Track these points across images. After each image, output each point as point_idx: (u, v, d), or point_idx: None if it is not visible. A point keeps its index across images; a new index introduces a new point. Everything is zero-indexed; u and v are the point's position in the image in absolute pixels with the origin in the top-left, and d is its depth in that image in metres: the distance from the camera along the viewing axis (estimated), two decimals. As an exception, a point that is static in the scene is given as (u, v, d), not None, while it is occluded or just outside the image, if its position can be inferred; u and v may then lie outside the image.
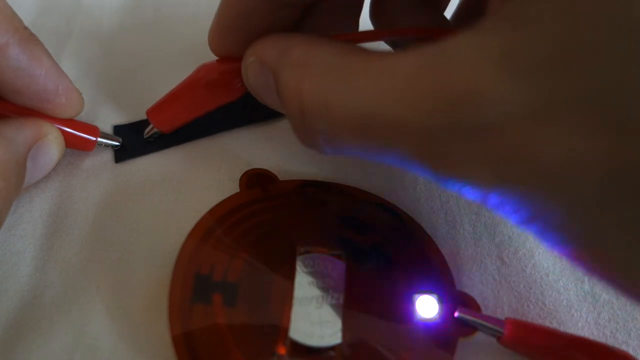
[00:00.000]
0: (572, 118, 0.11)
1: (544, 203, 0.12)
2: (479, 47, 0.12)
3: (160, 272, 0.19)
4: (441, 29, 0.19)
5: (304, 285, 0.18)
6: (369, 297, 0.18)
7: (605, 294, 0.20)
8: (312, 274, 0.18)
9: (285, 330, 0.17)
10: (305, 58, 0.16)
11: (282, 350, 0.17)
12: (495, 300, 0.19)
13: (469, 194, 0.13)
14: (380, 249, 0.20)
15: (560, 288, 0.20)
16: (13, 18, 0.18)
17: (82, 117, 0.22)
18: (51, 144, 0.20)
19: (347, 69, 0.15)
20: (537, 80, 0.11)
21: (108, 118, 0.24)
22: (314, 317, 0.17)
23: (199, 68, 0.21)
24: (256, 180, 0.21)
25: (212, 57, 0.26)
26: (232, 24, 0.19)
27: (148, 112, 0.23)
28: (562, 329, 0.19)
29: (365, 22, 0.22)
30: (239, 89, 0.21)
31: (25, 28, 0.19)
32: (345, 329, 0.17)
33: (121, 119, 0.24)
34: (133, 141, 0.23)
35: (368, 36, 0.20)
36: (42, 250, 0.20)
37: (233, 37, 0.19)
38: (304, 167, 0.23)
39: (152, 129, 0.23)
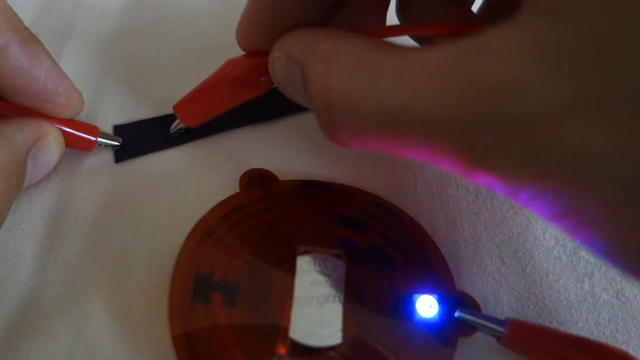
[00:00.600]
0: (609, 113, 0.11)
1: (579, 198, 0.12)
2: (515, 41, 0.12)
3: (160, 272, 0.19)
4: (469, 25, 0.19)
5: (304, 285, 0.18)
6: (369, 297, 0.18)
7: (605, 294, 0.20)
8: (312, 273, 0.18)
9: (286, 330, 0.17)
10: (332, 52, 0.16)
11: (282, 350, 0.17)
12: (495, 300, 0.19)
13: (500, 189, 0.13)
14: (380, 249, 0.20)
15: (560, 288, 0.20)
16: (13, 18, 0.18)
17: (82, 117, 0.22)
18: (51, 144, 0.20)
19: (376, 64, 0.15)
20: (575, 74, 0.11)
21: (108, 118, 0.24)
22: (314, 317, 0.17)
23: (225, 63, 0.21)
24: (256, 180, 0.21)
25: (211, 58, 0.27)
26: (260, 18, 0.19)
27: (175, 107, 0.23)
28: (562, 329, 0.19)
29: (391, 18, 0.22)
30: (265, 84, 0.21)
31: (26, 28, 0.19)
32: (345, 329, 0.17)
33: (121, 119, 0.24)
34: (133, 141, 0.23)
35: (395, 31, 0.20)
36: (42, 250, 0.20)
37: (261, 32, 0.19)
38: (304, 167, 0.23)
39: (178, 124, 0.23)
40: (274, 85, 0.20)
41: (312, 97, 0.17)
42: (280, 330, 0.17)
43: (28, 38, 0.19)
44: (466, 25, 0.19)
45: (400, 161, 0.23)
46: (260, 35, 0.19)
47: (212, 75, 0.22)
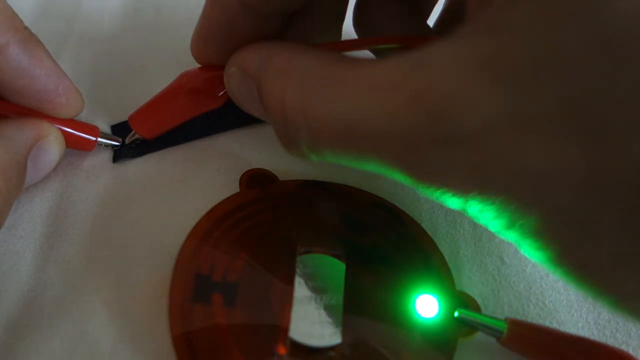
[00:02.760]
0: (548, 126, 0.11)
1: (522, 210, 0.12)
2: (457, 55, 0.12)
3: (160, 272, 0.19)
4: (424, 37, 0.19)
5: (304, 285, 0.18)
6: (369, 297, 0.18)
7: (605, 294, 0.20)
8: (312, 274, 0.18)
9: (285, 330, 0.17)
10: (287, 65, 0.16)
11: (282, 350, 0.17)
12: (495, 300, 0.19)
13: (449, 202, 0.13)
14: (380, 249, 0.20)
15: (560, 288, 0.20)
16: (13, 18, 0.18)
17: (82, 117, 0.22)
18: (51, 144, 0.20)
19: (328, 77, 0.15)
20: (514, 88, 0.11)
21: (108, 118, 0.24)
22: (314, 317, 0.17)
23: (181, 75, 0.21)
24: (256, 180, 0.21)
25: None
26: (213, 33, 0.19)
27: (130, 118, 0.23)
28: (562, 329, 0.19)
29: (348, 31, 0.22)
30: (222, 96, 0.21)
31: (26, 28, 0.19)
32: (345, 329, 0.17)
33: (121, 119, 0.24)
34: (133, 141, 0.23)
35: (352, 45, 0.20)
36: (42, 250, 0.20)
37: (215, 46, 0.19)
38: (304, 167, 0.23)
39: (134, 134, 0.23)
40: (228, 99, 0.20)
41: (268, 110, 0.17)
42: (280, 330, 0.17)
43: (28, 38, 0.19)
44: (416, 37, 0.19)
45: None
46: (214, 49, 0.19)
47: (167, 87, 0.22)
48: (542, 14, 0.11)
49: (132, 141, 0.23)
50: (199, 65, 0.21)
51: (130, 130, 0.23)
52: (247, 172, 0.22)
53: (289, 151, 0.17)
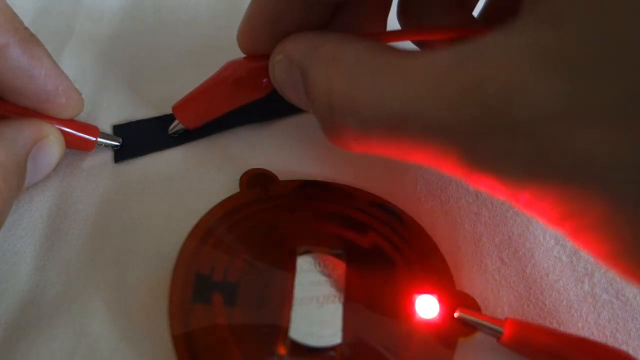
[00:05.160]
0: (608, 117, 0.11)
1: (581, 201, 0.12)
2: (515, 46, 0.12)
3: (160, 272, 0.19)
4: (471, 29, 0.19)
5: (304, 285, 0.18)
6: (369, 297, 0.18)
7: (605, 294, 0.20)
8: (312, 274, 0.18)
9: (285, 330, 0.17)
10: (335, 55, 0.16)
11: (282, 350, 0.17)
12: (495, 300, 0.19)
13: (501, 192, 0.13)
14: (380, 249, 0.20)
15: (560, 288, 0.20)
16: (13, 18, 0.18)
17: (82, 117, 0.22)
18: (52, 144, 0.20)
19: (379, 67, 0.15)
20: (575, 79, 0.11)
21: (108, 118, 0.24)
22: (314, 317, 0.17)
23: (226, 65, 0.21)
24: (256, 180, 0.21)
25: (211, 57, 0.27)
26: (262, 22, 0.19)
27: (174, 108, 0.23)
28: (562, 329, 0.19)
29: (392, 23, 0.22)
30: (265, 86, 0.21)
31: (26, 28, 0.19)
32: (345, 329, 0.17)
33: (121, 119, 0.24)
34: (133, 141, 0.23)
35: (397, 36, 0.20)
36: (42, 250, 0.20)
37: (262, 36, 0.19)
38: (304, 167, 0.23)
39: (177, 124, 0.23)
40: (274, 88, 0.20)
41: (314, 100, 0.17)
42: (280, 330, 0.17)
43: (28, 38, 0.19)
44: (467, 29, 0.19)
45: (399, 161, 0.23)
46: (261, 39, 0.19)
47: (212, 77, 0.22)
48: (604, 5, 0.11)
49: (174, 131, 0.23)
50: (243, 55, 0.21)
51: (130, 132, 0.24)
52: (247, 172, 0.22)
53: (332, 141, 0.17)
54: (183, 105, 0.23)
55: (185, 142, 0.23)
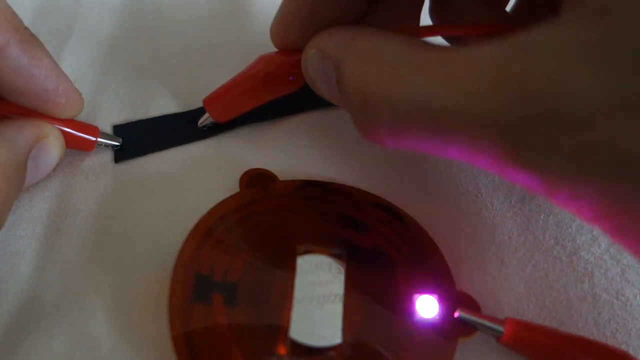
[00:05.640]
0: None
1: (626, 199, 0.12)
2: (561, 40, 0.12)
3: (160, 272, 0.19)
4: (508, 25, 0.19)
5: (304, 285, 0.18)
6: (369, 297, 0.18)
7: (605, 294, 0.20)
8: (312, 273, 0.18)
9: (285, 330, 0.17)
10: (371, 49, 0.16)
11: (282, 350, 0.17)
12: (495, 300, 0.19)
13: (539, 187, 0.13)
14: (380, 249, 0.20)
15: (560, 288, 0.20)
16: (13, 18, 0.18)
17: (82, 117, 0.22)
18: (52, 144, 0.20)
19: (416, 60, 0.15)
20: (624, 73, 0.11)
21: (108, 118, 0.24)
22: (314, 317, 0.17)
23: (258, 59, 0.22)
24: (256, 180, 0.21)
25: (212, 57, 0.27)
26: (296, 17, 0.19)
27: (204, 102, 0.23)
28: (562, 329, 0.19)
29: (424, 19, 0.22)
30: (297, 81, 0.21)
31: (26, 28, 0.19)
32: (345, 329, 0.17)
33: (121, 119, 0.24)
34: (133, 141, 0.23)
35: (431, 31, 0.20)
36: (42, 250, 0.20)
37: (296, 30, 0.19)
38: (304, 167, 0.23)
39: (207, 118, 0.23)
40: (305, 83, 0.20)
41: (347, 94, 0.17)
42: (280, 330, 0.17)
43: (28, 38, 0.19)
44: (505, 25, 0.19)
45: (400, 161, 0.23)
46: (294, 33, 0.20)
47: (243, 71, 0.22)
48: None
49: (203, 125, 0.23)
50: (275, 50, 0.21)
51: (130, 132, 0.23)
52: (247, 172, 0.22)
53: (365, 136, 0.17)
54: (213, 98, 0.23)
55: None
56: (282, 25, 0.20)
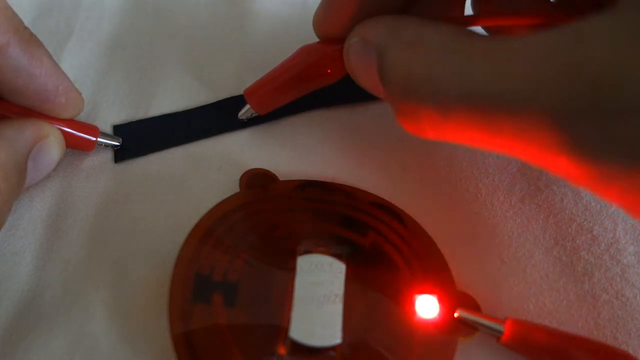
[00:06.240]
0: None
1: None
2: (619, 28, 0.12)
3: (160, 272, 0.19)
4: (555, 15, 0.19)
5: (304, 285, 0.18)
6: (369, 297, 0.18)
7: (605, 294, 0.20)
8: (312, 273, 0.18)
9: (285, 330, 0.17)
10: (416, 37, 0.16)
11: (282, 350, 0.17)
12: (495, 300, 0.19)
13: (586, 179, 0.13)
14: (381, 249, 0.20)
15: (560, 288, 0.20)
16: (13, 18, 0.18)
17: (82, 117, 0.22)
18: (52, 144, 0.20)
19: (463, 49, 0.15)
20: None
21: (108, 118, 0.24)
22: (314, 317, 0.17)
23: (299, 49, 0.22)
24: (256, 180, 0.21)
25: (212, 56, 0.27)
26: (340, 6, 0.19)
27: (245, 92, 0.23)
28: (562, 329, 0.19)
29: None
30: (339, 71, 0.21)
31: (26, 28, 0.19)
32: (345, 329, 0.17)
33: (121, 119, 0.24)
34: (133, 141, 0.23)
35: (476, 20, 0.20)
36: (42, 250, 0.20)
37: (339, 20, 0.19)
38: (304, 167, 0.23)
39: (248, 110, 0.23)
40: (346, 74, 0.20)
41: (389, 83, 0.17)
42: (280, 330, 0.17)
43: (28, 38, 0.19)
44: (554, 15, 0.19)
45: (400, 161, 0.23)
46: (338, 23, 0.19)
47: (285, 62, 0.22)
48: None
49: (244, 116, 0.23)
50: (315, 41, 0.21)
51: (130, 132, 0.23)
52: (247, 172, 0.22)
53: (407, 126, 0.17)
54: (254, 89, 0.23)
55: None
56: (325, 14, 0.20)
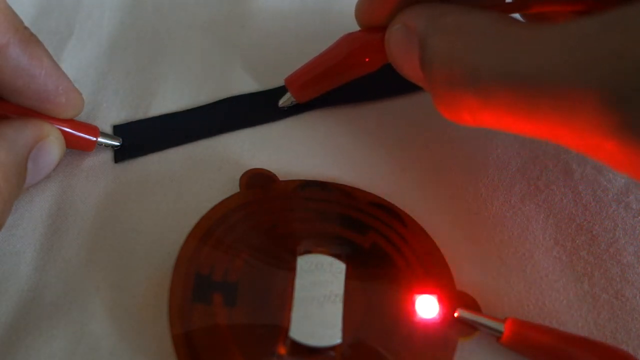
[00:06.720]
0: None
1: None
2: None
3: (160, 272, 0.19)
4: (595, 2, 0.19)
5: (304, 285, 0.18)
6: (369, 297, 0.18)
7: (605, 294, 0.20)
8: (312, 274, 0.18)
9: (285, 330, 0.17)
10: (458, 25, 0.16)
11: (282, 350, 0.17)
12: (495, 300, 0.19)
13: (630, 166, 0.13)
14: (381, 249, 0.20)
15: (560, 288, 0.20)
16: (13, 18, 0.18)
17: (82, 117, 0.22)
18: (52, 144, 0.20)
19: (506, 35, 0.15)
20: None
21: (108, 118, 0.24)
22: (314, 317, 0.17)
23: (341, 37, 0.22)
24: (256, 180, 0.21)
25: (212, 56, 0.27)
26: None
27: (286, 80, 0.23)
28: (562, 329, 0.19)
29: None
30: (378, 60, 0.21)
31: (26, 28, 0.19)
32: (345, 329, 0.17)
33: (121, 119, 0.24)
34: (133, 141, 0.23)
35: (518, 7, 0.20)
36: (42, 250, 0.20)
37: (381, 7, 0.20)
38: (304, 167, 0.23)
39: (288, 98, 0.23)
40: (385, 63, 0.20)
41: (431, 70, 0.17)
42: (280, 330, 0.17)
43: (28, 38, 0.19)
44: (594, 3, 0.19)
45: (400, 161, 0.23)
46: (381, 11, 0.20)
47: (326, 50, 0.22)
48: None
49: (284, 104, 0.24)
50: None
51: (130, 132, 0.23)
52: (247, 172, 0.22)
53: (447, 113, 0.17)
54: (295, 77, 0.23)
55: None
56: (368, 3, 0.20)
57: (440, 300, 0.18)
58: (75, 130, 0.21)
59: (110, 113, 0.24)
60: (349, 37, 0.22)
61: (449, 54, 0.16)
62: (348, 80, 0.23)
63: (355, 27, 0.22)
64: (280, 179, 0.22)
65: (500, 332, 0.18)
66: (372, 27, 0.21)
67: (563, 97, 0.13)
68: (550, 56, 0.14)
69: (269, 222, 0.20)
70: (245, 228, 0.20)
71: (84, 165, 0.22)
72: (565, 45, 0.14)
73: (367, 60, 0.21)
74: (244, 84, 0.25)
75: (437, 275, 0.19)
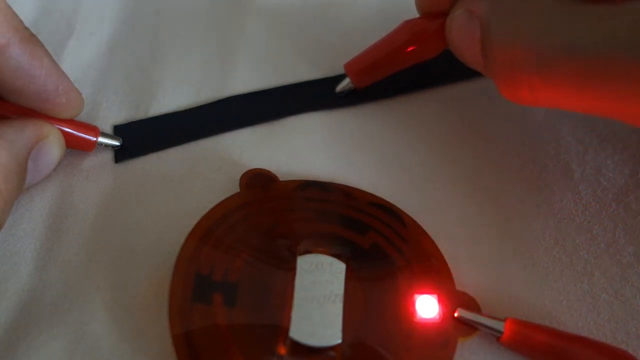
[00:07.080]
0: None
1: None
2: None
3: (160, 272, 0.19)
4: None
5: (304, 285, 0.18)
6: (369, 297, 0.18)
7: (605, 294, 0.20)
8: (312, 273, 0.18)
9: (286, 330, 0.17)
10: (520, 7, 0.16)
11: (282, 350, 0.17)
12: (495, 300, 0.19)
13: None
14: (381, 249, 0.20)
15: (560, 288, 0.20)
16: (13, 18, 0.18)
17: (82, 117, 0.22)
18: (52, 145, 0.20)
19: (568, 15, 0.15)
20: None
21: (108, 118, 0.24)
22: (314, 317, 0.17)
23: (402, 23, 0.22)
24: (256, 181, 0.21)
25: (212, 56, 0.27)
26: None
27: (346, 66, 0.23)
28: (562, 329, 0.19)
29: None
30: (439, 45, 0.21)
31: (26, 28, 0.19)
32: (345, 329, 0.17)
33: (121, 119, 0.24)
34: (133, 141, 0.23)
35: None
36: (42, 250, 0.20)
37: None
38: (304, 167, 0.23)
39: (347, 84, 0.24)
40: (444, 49, 0.21)
41: (494, 53, 0.17)
42: (280, 330, 0.17)
43: (28, 38, 0.19)
44: None
45: (400, 161, 0.23)
46: None
47: (386, 36, 0.22)
48: None
49: (342, 90, 0.24)
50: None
51: (130, 132, 0.23)
52: (247, 172, 0.22)
53: (509, 94, 0.18)
54: (355, 62, 0.23)
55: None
56: None
57: (440, 300, 0.18)
58: (75, 130, 0.21)
59: (110, 113, 0.24)
60: (409, 23, 0.22)
61: (512, 37, 0.16)
62: (406, 67, 0.23)
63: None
64: (281, 179, 0.22)
65: (500, 332, 0.18)
66: (432, 14, 0.21)
67: (629, 70, 0.14)
68: (617, 28, 0.14)
69: (269, 222, 0.20)
70: (245, 228, 0.20)
71: (84, 165, 0.22)
72: (629, 19, 0.14)
73: (427, 46, 0.22)
74: (244, 83, 0.25)
75: (437, 275, 0.19)
